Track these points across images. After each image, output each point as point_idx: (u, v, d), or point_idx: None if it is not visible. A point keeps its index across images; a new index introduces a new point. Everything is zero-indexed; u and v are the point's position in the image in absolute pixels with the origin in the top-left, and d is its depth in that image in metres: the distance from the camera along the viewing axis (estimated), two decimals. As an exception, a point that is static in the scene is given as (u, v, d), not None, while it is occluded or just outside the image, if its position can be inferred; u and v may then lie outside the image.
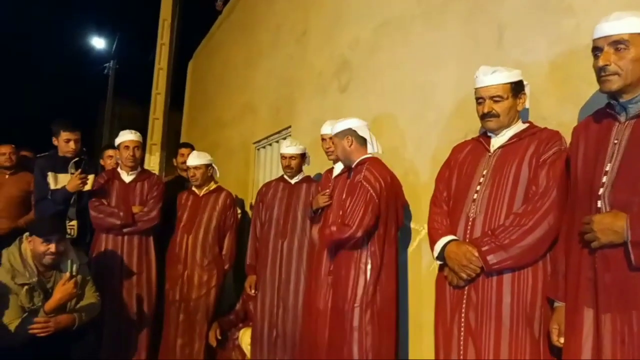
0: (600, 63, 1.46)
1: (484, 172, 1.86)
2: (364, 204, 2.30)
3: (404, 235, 2.71)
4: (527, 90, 1.89)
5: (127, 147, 3.35)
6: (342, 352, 2.28)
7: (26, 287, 2.53)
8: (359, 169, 2.46)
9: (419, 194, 2.54)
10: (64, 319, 2.53)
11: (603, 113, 1.57)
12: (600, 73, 1.47)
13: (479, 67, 1.91)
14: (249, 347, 3.30)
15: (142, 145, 3.53)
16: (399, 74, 3.02)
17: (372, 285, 2.32)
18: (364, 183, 2.35)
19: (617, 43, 1.44)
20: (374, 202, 2.30)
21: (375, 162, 2.47)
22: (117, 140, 3.42)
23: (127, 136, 3.37)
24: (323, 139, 2.99)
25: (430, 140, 2.67)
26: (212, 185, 3.66)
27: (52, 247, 2.55)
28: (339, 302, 2.37)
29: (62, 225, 2.80)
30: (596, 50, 1.50)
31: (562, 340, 1.56)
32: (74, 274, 2.53)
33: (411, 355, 2.64)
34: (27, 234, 2.66)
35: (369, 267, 2.33)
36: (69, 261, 2.56)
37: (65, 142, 3.32)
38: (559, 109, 1.97)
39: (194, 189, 3.62)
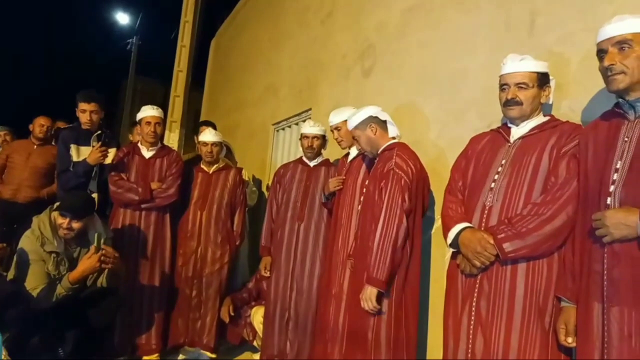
0: (606, 63, 1.51)
1: (503, 162, 1.86)
2: (400, 192, 2.23)
3: (424, 224, 2.68)
4: (552, 84, 1.87)
5: (148, 122, 3.36)
6: (366, 341, 2.25)
7: (53, 255, 2.60)
8: (386, 155, 2.39)
9: (444, 182, 2.48)
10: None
11: (611, 113, 1.60)
12: (607, 73, 1.52)
13: (510, 54, 1.90)
14: (260, 325, 3.33)
15: (163, 122, 3.54)
16: (426, 59, 2.97)
17: (402, 276, 2.26)
18: (397, 170, 2.26)
19: (621, 43, 1.50)
20: (408, 188, 2.24)
21: (404, 148, 2.40)
22: (139, 116, 3.43)
23: (149, 112, 3.38)
24: (336, 129, 2.93)
25: (457, 128, 2.63)
26: (221, 163, 3.69)
27: (65, 222, 2.59)
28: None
29: (82, 206, 2.69)
30: (601, 52, 1.55)
31: (569, 340, 1.57)
32: (101, 247, 2.56)
33: (430, 344, 2.64)
34: (57, 203, 2.71)
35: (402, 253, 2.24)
36: (96, 234, 2.59)
37: (82, 113, 3.33)
38: (592, 100, 1.92)
39: (203, 166, 3.63)
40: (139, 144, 3.49)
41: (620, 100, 1.55)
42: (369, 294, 2.19)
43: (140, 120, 3.41)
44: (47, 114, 4.72)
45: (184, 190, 3.48)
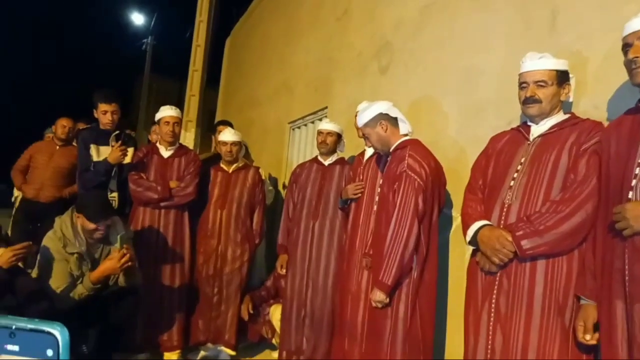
0: (631, 55, 1.51)
1: (522, 160, 1.85)
2: (414, 195, 2.20)
3: (442, 222, 2.66)
4: (572, 82, 1.86)
5: (167, 122, 3.41)
6: (383, 340, 2.25)
7: (76, 255, 2.64)
8: (399, 155, 2.35)
9: (463, 180, 2.46)
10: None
11: (635, 109, 1.59)
12: (632, 66, 1.51)
13: (528, 52, 1.90)
14: (279, 323, 3.36)
15: (181, 122, 3.58)
16: (443, 57, 2.95)
17: (417, 275, 2.25)
18: (410, 172, 2.23)
19: None
20: (422, 191, 2.21)
21: (416, 146, 2.36)
22: (158, 116, 3.47)
23: (167, 112, 3.42)
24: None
25: (475, 126, 2.61)
26: (241, 163, 3.72)
27: (99, 226, 2.64)
28: None
29: (106, 207, 2.76)
30: (626, 46, 1.54)
31: (587, 337, 1.56)
32: (124, 250, 2.57)
33: (449, 343, 2.63)
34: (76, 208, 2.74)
35: (414, 256, 2.24)
36: (119, 236, 2.62)
37: (103, 114, 3.37)
38: (613, 99, 1.90)
39: (222, 165, 3.66)
40: (157, 144, 3.54)
41: None
42: (378, 296, 2.22)
43: (159, 120, 3.45)
44: (65, 114, 4.80)
45: (201, 190, 3.51)
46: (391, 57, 3.51)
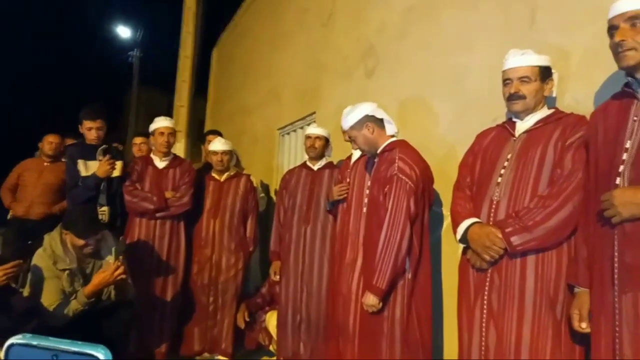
0: (617, 38, 1.47)
1: (509, 156, 1.86)
2: (406, 198, 2.18)
3: (434, 221, 2.67)
4: (555, 77, 1.88)
5: (162, 133, 3.42)
6: (380, 344, 2.24)
7: (67, 272, 2.61)
8: (388, 157, 2.33)
9: (453, 179, 2.45)
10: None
11: (621, 93, 1.57)
12: (618, 49, 1.48)
13: (511, 49, 1.91)
14: (275, 330, 3.35)
15: (175, 132, 3.59)
16: (428, 58, 2.98)
17: (411, 277, 2.25)
18: (400, 175, 2.21)
19: (633, 19, 1.45)
20: (414, 193, 2.20)
21: (405, 148, 2.34)
22: (152, 127, 3.48)
23: (161, 123, 3.44)
24: None
25: (462, 124, 2.63)
26: (232, 171, 3.73)
27: (89, 241, 2.62)
28: None
29: (93, 222, 2.75)
30: (612, 29, 1.51)
31: (583, 325, 1.55)
32: (118, 263, 2.56)
33: (446, 343, 2.64)
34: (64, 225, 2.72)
35: (407, 259, 2.22)
36: (113, 249, 2.60)
37: (87, 130, 3.34)
38: (595, 93, 1.92)
39: (214, 174, 3.68)
40: (151, 155, 3.56)
41: (630, 79, 1.52)
42: (371, 300, 2.19)
43: (154, 131, 3.46)
44: (53, 129, 4.77)
45: (195, 199, 3.51)
46: (377, 60, 3.54)
